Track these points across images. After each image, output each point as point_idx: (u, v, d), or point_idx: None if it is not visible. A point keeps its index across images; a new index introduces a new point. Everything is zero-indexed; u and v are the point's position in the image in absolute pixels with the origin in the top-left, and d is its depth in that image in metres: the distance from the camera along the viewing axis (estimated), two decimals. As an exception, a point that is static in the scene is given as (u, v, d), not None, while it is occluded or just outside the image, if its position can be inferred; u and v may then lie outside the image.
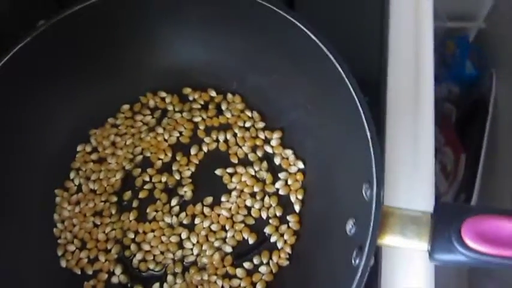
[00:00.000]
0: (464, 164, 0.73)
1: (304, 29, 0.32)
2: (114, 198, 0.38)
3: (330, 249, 0.32)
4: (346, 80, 0.30)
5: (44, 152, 0.39)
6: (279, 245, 0.35)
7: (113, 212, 0.38)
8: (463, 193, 0.72)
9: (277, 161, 0.37)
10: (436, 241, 0.25)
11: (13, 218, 0.37)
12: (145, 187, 0.38)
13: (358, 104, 0.29)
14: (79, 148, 0.40)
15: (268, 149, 0.38)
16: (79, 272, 0.36)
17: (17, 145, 0.38)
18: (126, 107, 0.41)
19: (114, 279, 0.36)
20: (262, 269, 0.35)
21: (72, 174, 0.39)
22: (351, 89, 0.30)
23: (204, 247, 0.36)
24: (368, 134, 0.28)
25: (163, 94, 0.41)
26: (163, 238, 0.36)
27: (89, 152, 0.40)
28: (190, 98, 0.40)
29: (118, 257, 0.37)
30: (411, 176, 0.35)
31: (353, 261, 0.28)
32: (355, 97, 0.30)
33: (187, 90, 0.41)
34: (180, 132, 0.39)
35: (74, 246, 0.37)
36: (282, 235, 0.35)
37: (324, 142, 0.35)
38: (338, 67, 0.31)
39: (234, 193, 0.37)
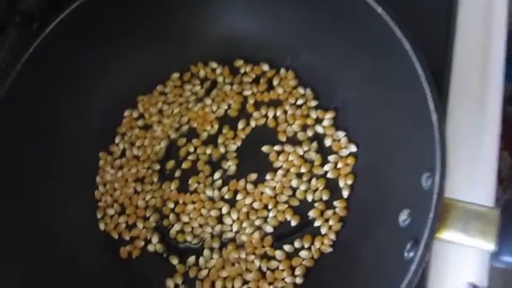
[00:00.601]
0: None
1: (369, 2, 0.30)
2: (157, 166, 0.37)
3: (378, 239, 0.30)
4: (412, 57, 0.28)
5: (91, 115, 0.39)
6: (323, 230, 0.33)
7: (155, 180, 0.37)
8: (517, 200, 0.67)
9: (327, 142, 0.35)
10: (504, 242, 0.23)
11: (57, 177, 0.37)
12: (189, 158, 0.37)
13: (425, 85, 0.27)
14: (126, 113, 0.40)
15: (319, 129, 0.36)
16: (116, 237, 0.36)
17: (65, 106, 0.38)
18: (175, 75, 0.40)
19: (151, 248, 0.35)
20: (303, 253, 0.33)
21: (117, 139, 0.39)
22: (418, 67, 0.27)
23: (244, 224, 0.34)
24: (433, 118, 0.26)
25: (214, 65, 0.39)
26: (203, 211, 0.35)
27: (136, 118, 0.39)
28: (242, 71, 0.39)
29: (156, 226, 0.36)
30: (473, 167, 0.32)
31: (406, 254, 0.26)
32: (421, 77, 0.27)
33: (239, 63, 0.39)
34: (229, 105, 0.38)
35: (114, 211, 0.37)
36: (327, 220, 0.33)
37: (379, 125, 0.33)
38: (404, 43, 0.28)
39: (279, 172, 0.35)
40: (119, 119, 0.40)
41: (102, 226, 0.37)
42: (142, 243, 0.36)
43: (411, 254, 0.25)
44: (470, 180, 0.32)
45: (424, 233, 0.24)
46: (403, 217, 0.28)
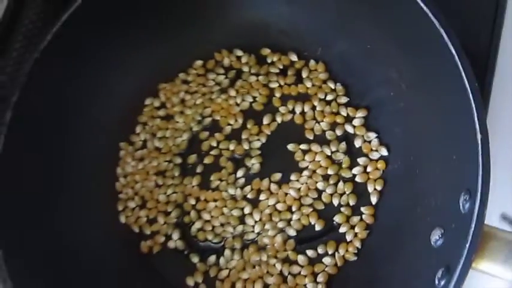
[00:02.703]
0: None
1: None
2: (179, 160, 0.36)
3: (406, 255, 0.29)
4: (457, 60, 0.25)
5: (112, 103, 0.38)
6: (348, 237, 0.32)
7: (176, 174, 0.36)
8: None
9: (357, 143, 0.33)
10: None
11: (78, 167, 0.36)
12: (211, 152, 0.36)
13: (469, 93, 0.24)
14: (147, 102, 0.38)
15: (349, 129, 0.34)
16: (137, 230, 0.36)
17: (86, 92, 0.37)
18: (199, 63, 0.38)
19: (171, 244, 0.35)
20: (327, 260, 0.32)
21: (138, 129, 0.38)
22: (462, 72, 0.25)
23: (266, 226, 0.33)
24: (478, 138, 0.24)
25: (239, 53, 0.37)
26: (225, 210, 0.34)
27: (157, 107, 0.38)
28: (269, 61, 0.37)
29: (177, 222, 0.35)
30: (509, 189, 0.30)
31: (437, 282, 0.24)
32: (466, 83, 0.25)
33: (265, 51, 0.37)
34: (254, 98, 0.36)
35: (134, 203, 0.36)
36: (352, 227, 0.32)
37: (416, 129, 0.31)
38: (449, 44, 0.25)
39: (305, 173, 0.34)
40: (140, 107, 0.38)
41: (123, 219, 0.36)
42: (163, 238, 0.35)
43: (443, 283, 0.24)
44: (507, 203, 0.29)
45: (459, 262, 0.23)
46: (436, 237, 0.26)
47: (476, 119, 0.24)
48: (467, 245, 0.23)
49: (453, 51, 0.26)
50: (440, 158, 0.28)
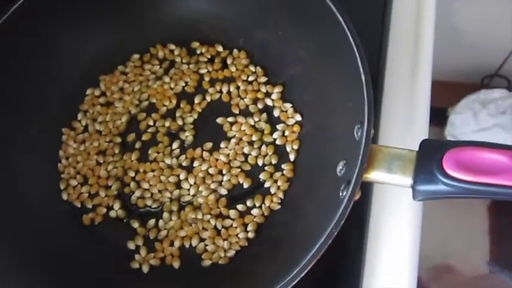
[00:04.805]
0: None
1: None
2: (118, 139, 0.40)
3: (320, 192, 0.34)
4: (346, 28, 0.32)
5: (55, 93, 0.41)
6: (272, 190, 0.37)
7: (116, 151, 0.39)
8: None
9: (276, 113, 0.39)
10: (418, 174, 0.27)
11: (22, 149, 0.39)
12: (148, 130, 0.40)
13: (356, 51, 0.31)
14: (88, 91, 0.42)
15: (269, 102, 0.39)
16: (79, 205, 0.38)
17: (30, 83, 0.40)
18: (136, 56, 0.43)
19: (112, 214, 0.38)
20: (255, 211, 0.36)
21: (79, 116, 0.41)
22: (350, 37, 0.32)
23: (200, 188, 0.37)
24: (363, 78, 0.30)
25: (172, 46, 0.43)
26: (162, 178, 0.38)
27: (98, 96, 0.42)
28: (198, 52, 0.42)
29: (117, 194, 0.38)
30: (407, 119, 0.37)
31: (340, 194, 0.29)
32: (353, 44, 0.31)
33: (195, 44, 0.42)
34: (186, 82, 0.41)
35: (76, 181, 0.39)
36: (275, 181, 0.37)
37: (321, 94, 0.37)
38: (338, 16, 0.32)
39: (233, 140, 0.38)
40: (81, 97, 0.42)
41: (65, 196, 0.38)
42: (104, 210, 0.38)
43: (344, 193, 0.29)
44: (405, 133, 0.36)
45: (354, 174, 0.28)
46: (340, 167, 0.32)
47: (360, 63, 0.30)
48: (360, 159, 0.28)
49: (345, 27, 0.33)
50: (340, 109, 0.34)
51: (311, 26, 0.37)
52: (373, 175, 0.28)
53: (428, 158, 0.26)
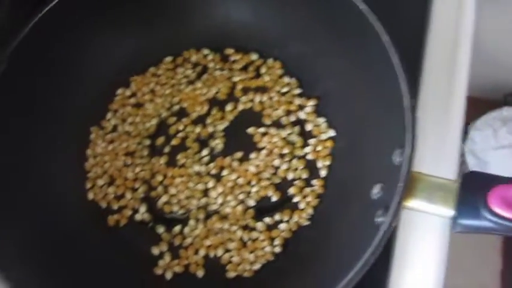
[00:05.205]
0: None
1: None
2: (147, 142, 0.40)
3: (352, 213, 0.33)
4: (388, 49, 0.31)
5: (85, 91, 0.41)
6: (301, 205, 0.36)
7: (145, 154, 0.39)
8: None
9: (308, 127, 0.38)
10: (461, 207, 0.26)
11: (50, 147, 0.38)
12: (178, 135, 0.39)
13: (398, 72, 0.30)
14: (119, 91, 0.41)
15: (302, 115, 0.39)
16: (104, 206, 0.38)
17: (61, 80, 0.40)
18: (168, 59, 0.42)
19: (138, 217, 0.37)
20: (282, 225, 0.36)
21: (109, 115, 0.41)
22: (393, 59, 0.31)
23: (228, 198, 0.37)
24: (405, 101, 0.30)
25: (206, 51, 0.42)
26: (190, 184, 0.38)
27: (128, 96, 0.41)
28: (232, 59, 0.42)
29: (144, 197, 0.38)
30: (439, 145, 0.36)
31: (376, 219, 0.29)
32: (396, 65, 0.31)
33: (229, 51, 0.42)
34: (218, 89, 0.41)
35: (103, 181, 0.39)
36: (305, 197, 0.36)
37: (357, 112, 0.36)
38: (382, 36, 0.32)
39: (263, 152, 0.38)
40: (111, 97, 0.41)
41: (90, 196, 0.38)
42: (130, 212, 0.38)
43: (381, 219, 0.28)
44: (436, 157, 0.36)
45: (394, 200, 0.28)
46: (376, 191, 0.31)
47: (403, 85, 0.29)
48: (400, 185, 0.28)
49: (387, 48, 0.32)
50: (377, 128, 0.34)
51: (350, 41, 0.36)
52: (412, 203, 0.28)
53: (473, 192, 0.26)
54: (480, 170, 0.36)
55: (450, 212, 0.27)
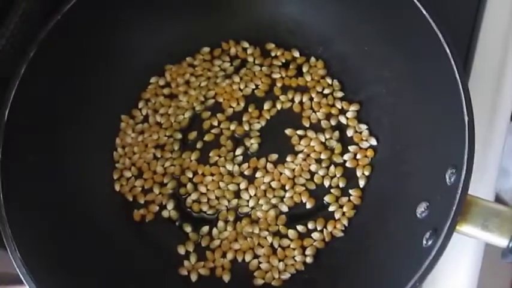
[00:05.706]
0: None
1: (415, 2, 0.31)
2: (179, 136, 0.38)
3: (391, 229, 0.32)
4: (452, 63, 0.29)
5: (118, 78, 0.39)
6: (337, 215, 0.34)
7: (176, 148, 0.38)
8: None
9: (349, 133, 0.37)
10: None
11: (79, 134, 0.37)
12: (212, 131, 0.38)
13: (462, 91, 0.28)
14: (152, 80, 0.40)
15: (343, 120, 0.37)
16: (131, 199, 0.37)
17: (94, 66, 0.38)
18: (206, 49, 0.40)
19: (165, 213, 0.36)
20: (315, 235, 0.34)
21: (140, 104, 0.39)
22: (455, 70, 0.29)
23: (260, 201, 0.35)
24: (466, 120, 0.28)
25: (245, 44, 0.40)
26: (222, 184, 0.36)
27: (162, 86, 0.40)
28: (272, 54, 0.40)
29: (172, 193, 0.37)
30: (479, 165, 0.34)
31: (425, 242, 0.27)
32: (459, 83, 0.29)
33: (270, 46, 0.40)
34: (256, 85, 0.39)
35: (131, 173, 0.37)
36: (341, 206, 0.35)
37: (404, 123, 0.34)
38: (446, 49, 0.29)
39: (300, 155, 0.36)
40: (144, 85, 0.40)
41: (117, 187, 0.37)
42: (157, 208, 0.36)
43: (430, 242, 0.26)
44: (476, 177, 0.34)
45: (446, 224, 0.26)
46: (421, 209, 0.29)
47: (464, 103, 0.27)
48: (453, 209, 0.26)
49: (448, 52, 0.30)
50: (426, 144, 0.32)
51: (406, 47, 0.34)
52: (465, 228, 0.26)
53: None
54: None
55: (505, 242, 0.25)
